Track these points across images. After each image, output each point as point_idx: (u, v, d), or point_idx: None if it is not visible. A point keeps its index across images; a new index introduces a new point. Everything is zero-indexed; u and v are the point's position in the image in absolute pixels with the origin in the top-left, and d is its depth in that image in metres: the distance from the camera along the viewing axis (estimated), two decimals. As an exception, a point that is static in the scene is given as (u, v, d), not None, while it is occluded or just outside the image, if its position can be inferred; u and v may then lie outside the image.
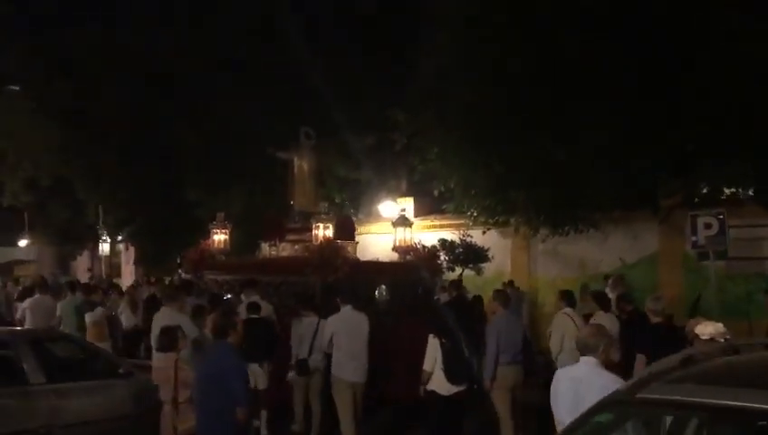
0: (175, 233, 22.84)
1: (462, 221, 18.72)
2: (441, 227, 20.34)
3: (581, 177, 14.50)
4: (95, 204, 24.97)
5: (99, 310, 12.76)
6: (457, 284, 14.32)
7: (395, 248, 14.97)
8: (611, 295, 11.87)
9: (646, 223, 16.41)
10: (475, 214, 17.22)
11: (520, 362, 9.27)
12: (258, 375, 9.59)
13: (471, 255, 16.73)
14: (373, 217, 21.40)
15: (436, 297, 13.76)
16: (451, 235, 17.84)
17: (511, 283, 16.70)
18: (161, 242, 22.98)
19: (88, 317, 12.32)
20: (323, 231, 13.80)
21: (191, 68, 20.82)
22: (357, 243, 15.56)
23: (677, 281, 15.93)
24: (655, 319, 8.11)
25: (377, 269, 14.47)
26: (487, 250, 16.91)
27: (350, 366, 9.24)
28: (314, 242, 13.59)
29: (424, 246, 15.36)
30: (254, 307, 10.09)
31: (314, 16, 20.27)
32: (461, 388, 8.41)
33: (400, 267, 14.59)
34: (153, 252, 23.88)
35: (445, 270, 16.97)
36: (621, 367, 9.64)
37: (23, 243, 34.68)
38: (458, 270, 17.01)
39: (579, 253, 17.44)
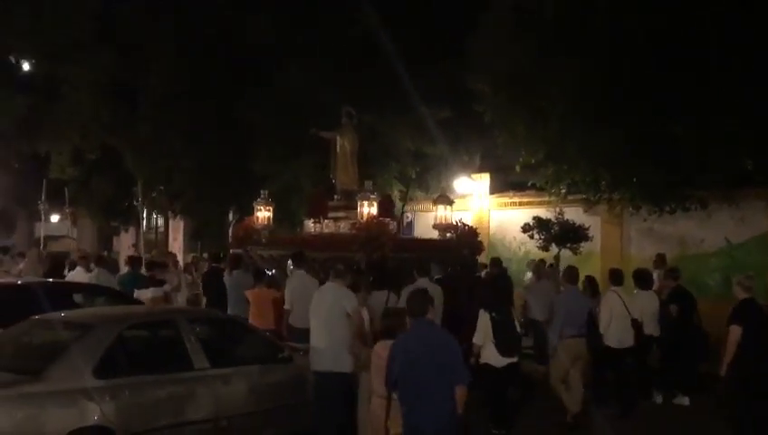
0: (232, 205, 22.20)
1: (545, 199, 17.92)
2: (520, 204, 19.58)
3: (694, 153, 13.72)
4: (143, 178, 23.99)
5: (165, 286, 12.23)
6: (497, 261, 14.22)
7: (435, 226, 15.18)
8: (655, 274, 12.45)
9: (755, 201, 15.55)
10: (563, 190, 16.37)
11: (584, 336, 9.55)
12: None
13: (569, 233, 15.83)
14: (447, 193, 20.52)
15: (477, 274, 13.73)
16: (546, 212, 16.93)
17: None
18: (218, 215, 22.20)
19: (147, 293, 11.56)
20: (368, 209, 13.82)
21: (254, 39, 19.83)
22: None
23: (790, 263, 15.06)
24: (743, 295, 8.08)
25: (420, 246, 15.07)
26: (587, 228, 16.01)
27: None
28: (360, 219, 13.73)
29: (464, 224, 15.26)
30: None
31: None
32: (513, 360, 8.67)
33: (444, 244, 14.66)
34: (208, 225, 23.08)
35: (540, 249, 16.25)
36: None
37: (55, 218, 33.85)
38: (554, 250, 16.15)
39: (678, 231, 16.65)
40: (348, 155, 15.42)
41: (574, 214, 16.91)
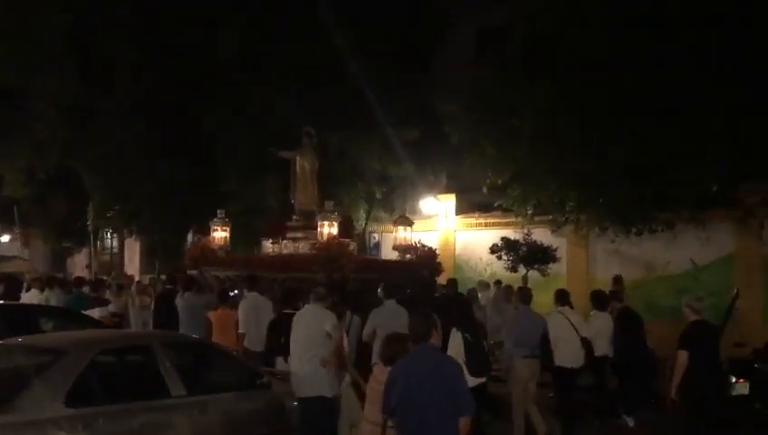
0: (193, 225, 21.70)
1: (511, 220, 17.90)
2: (486, 225, 19.52)
3: (662, 174, 13.80)
4: (99, 198, 23.33)
5: (108, 307, 12.50)
6: (452, 282, 14.08)
7: (395, 247, 15.43)
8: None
9: (720, 223, 15.68)
10: (530, 211, 16.36)
11: (537, 357, 9.58)
12: None
13: (538, 254, 15.78)
14: (411, 214, 20.40)
15: (436, 295, 13.78)
16: (512, 233, 16.90)
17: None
18: (178, 234, 21.70)
19: (94, 313, 11.56)
20: (329, 229, 13.86)
21: (220, 55, 19.48)
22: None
23: (756, 283, 15.21)
24: (693, 316, 8.05)
25: (381, 267, 15.22)
26: (555, 250, 15.98)
27: None
28: (320, 239, 13.75)
29: (423, 245, 15.44)
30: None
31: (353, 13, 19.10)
32: (482, 380, 8.52)
33: (404, 266, 14.88)
34: (165, 246, 22.52)
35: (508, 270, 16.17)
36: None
37: (5, 238, 32.79)
38: (522, 271, 16.08)
39: (644, 253, 16.74)
40: (307, 174, 15.42)
41: (541, 235, 16.94)
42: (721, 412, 7.99)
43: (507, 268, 16.33)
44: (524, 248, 16.00)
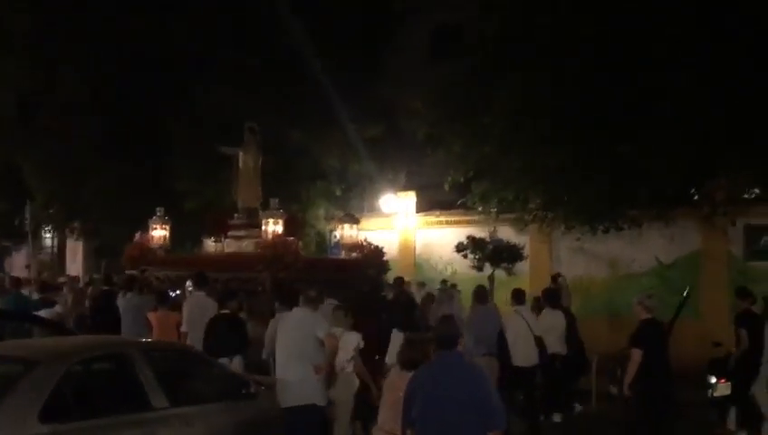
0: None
1: (474, 217, 17.70)
2: (447, 223, 19.25)
3: (630, 172, 13.70)
4: (41, 196, 22.26)
5: (55, 308, 11.85)
6: (400, 281, 13.92)
7: (341, 245, 15.36)
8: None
9: (685, 220, 15.68)
10: (494, 209, 16.17)
11: (494, 355, 9.80)
12: None
13: (504, 253, 15.55)
14: (371, 212, 20.08)
15: (383, 294, 13.60)
16: (474, 231, 16.68)
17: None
18: (126, 234, 20.85)
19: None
20: (273, 227, 13.55)
21: (173, 50, 18.70)
22: None
23: (722, 281, 15.25)
24: (644, 315, 8.13)
25: (328, 266, 15.01)
26: (522, 248, 15.78)
27: None
28: (264, 238, 13.46)
29: (369, 243, 15.27)
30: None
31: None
32: None
33: (351, 264, 14.67)
34: (113, 245, 21.59)
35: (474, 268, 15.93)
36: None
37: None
38: (488, 270, 15.83)
39: (609, 251, 16.67)
40: (250, 171, 15.03)
41: (504, 233, 16.79)
42: (669, 409, 8.09)
43: (473, 267, 16.02)
44: (491, 247, 15.71)
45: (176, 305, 11.14)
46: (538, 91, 13.75)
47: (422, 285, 15.86)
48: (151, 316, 10.59)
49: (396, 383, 5.53)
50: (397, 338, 8.18)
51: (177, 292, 12.91)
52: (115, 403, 6.13)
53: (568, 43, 13.39)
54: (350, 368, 7.51)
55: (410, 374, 5.29)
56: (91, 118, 18.97)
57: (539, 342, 10.23)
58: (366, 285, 13.78)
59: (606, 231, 15.07)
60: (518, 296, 10.61)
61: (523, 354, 9.99)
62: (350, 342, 7.62)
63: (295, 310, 7.57)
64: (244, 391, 7.10)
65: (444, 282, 16.18)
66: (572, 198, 14.59)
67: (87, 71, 19.05)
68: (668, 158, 13.18)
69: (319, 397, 7.11)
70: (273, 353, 9.13)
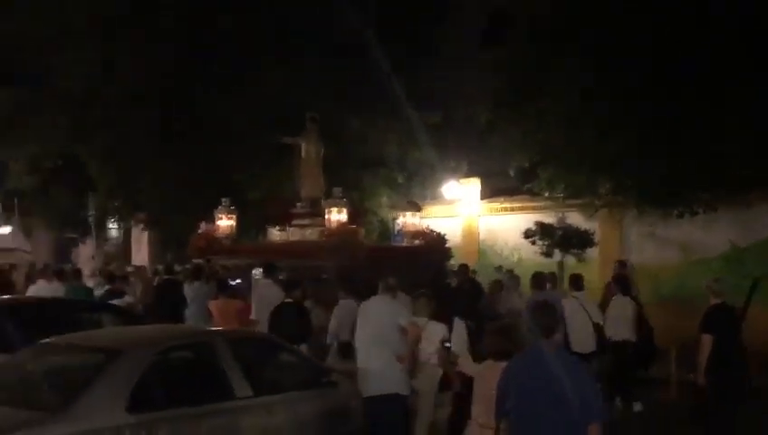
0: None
1: (539, 203, 17.38)
2: (512, 209, 18.94)
3: (702, 155, 13.24)
4: (108, 187, 22.55)
5: (125, 298, 12.15)
6: (464, 268, 13.66)
7: (403, 233, 15.31)
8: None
9: (761, 204, 15.10)
10: (561, 194, 15.82)
11: None
12: None
13: (573, 239, 15.20)
14: (433, 199, 19.89)
15: (447, 281, 13.50)
16: (540, 217, 16.38)
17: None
18: (190, 224, 21.05)
19: None
20: (337, 215, 13.64)
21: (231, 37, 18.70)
22: None
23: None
24: (714, 300, 7.92)
25: (392, 254, 14.81)
26: (592, 234, 15.41)
27: None
28: (328, 226, 13.61)
29: (432, 231, 15.22)
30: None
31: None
32: None
33: (414, 251, 14.62)
34: (177, 236, 21.81)
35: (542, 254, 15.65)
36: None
37: (5, 230, 32.03)
38: (557, 256, 15.51)
39: (681, 236, 16.12)
40: (312, 161, 15.15)
41: (572, 219, 16.48)
42: (744, 397, 7.85)
43: (541, 253, 15.72)
44: (560, 233, 15.39)
45: (236, 293, 11.23)
46: (607, 71, 13.37)
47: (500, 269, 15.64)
48: (211, 304, 10.70)
49: (488, 375, 5.34)
50: (459, 326, 8.02)
51: (238, 280, 12.95)
52: (199, 392, 6.10)
53: (638, 21, 13.01)
54: (434, 360, 7.33)
55: (503, 365, 5.10)
56: (150, 109, 19.07)
57: (597, 329, 10.07)
58: (429, 273, 13.55)
59: (680, 216, 14.59)
60: (576, 282, 10.59)
61: (581, 341, 9.80)
62: (436, 333, 7.43)
63: (376, 298, 7.42)
64: (324, 380, 7.02)
65: (499, 268, 15.98)
66: (645, 181, 14.15)
67: (146, 62, 19.18)
68: (744, 139, 12.73)
69: (402, 386, 6.96)
70: (336, 340, 9.46)
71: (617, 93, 13.13)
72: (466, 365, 7.38)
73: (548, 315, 4.85)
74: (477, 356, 7.79)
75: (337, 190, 13.98)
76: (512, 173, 16.99)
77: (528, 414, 4.70)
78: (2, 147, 22.07)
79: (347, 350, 9.27)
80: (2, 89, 19.47)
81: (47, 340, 6.33)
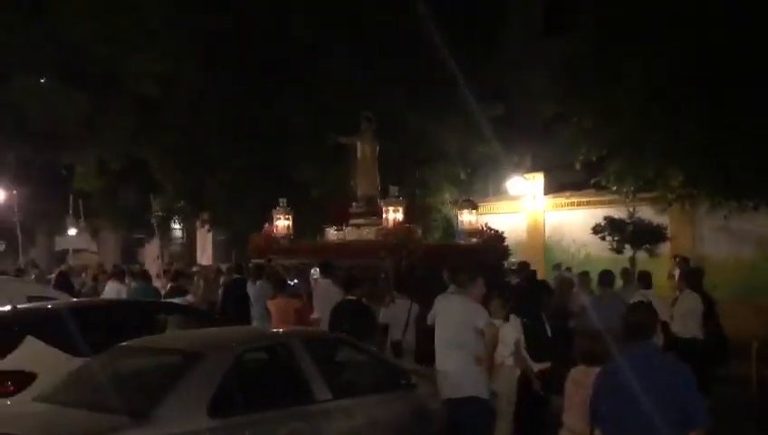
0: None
1: (606, 198, 16.98)
2: (579, 204, 18.56)
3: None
4: (173, 188, 22.81)
5: (187, 297, 12.12)
6: (524, 265, 13.62)
7: (460, 231, 15.14)
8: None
9: None
10: (632, 188, 15.40)
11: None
12: None
13: (645, 234, 14.80)
14: (496, 195, 19.62)
15: (506, 279, 13.20)
16: (609, 211, 15.98)
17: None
18: (254, 224, 21.18)
19: None
20: (394, 215, 13.57)
21: (291, 36, 18.68)
22: None
23: None
24: None
25: (449, 252, 14.54)
26: (665, 228, 14.98)
27: None
28: (385, 225, 13.56)
29: (490, 228, 14.96)
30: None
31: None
32: (545, 365, 7.81)
33: (472, 250, 14.37)
34: (241, 236, 21.96)
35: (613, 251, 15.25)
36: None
37: (72, 231, 32.74)
38: (628, 252, 15.11)
39: (756, 229, 15.57)
40: (368, 160, 15.20)
41: (642, 213, 16.04)
42: None
43: (611, 249, 15.35)
44: (630, 228, 14.99)
45: (294, 292, 11.26)
46: (679, 62, 12.96)
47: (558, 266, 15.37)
48: (270, 304, 10.74)
49: (582, 380, 5.13)
50: (514, 323, 7.83)
51: (296, 280, 13.06)
52: (280, 396, 6.02)
53: (710, 11, 12.59)
54: (510, 362, 7.14)
55: (596, 370, 4.89)
56: (211, 110, 19.19)
57: (663, 327, 9.67)
58: (487, 272, 13.38)
59: (756, 208, 14.07)
60: (644, 279, 10.41)
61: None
62: (510, 334, 7.24)
63: (453, 297, 7.25)
64: (403, 382, 6.88)
65: (557, 265, 15.68)
66: (719, 173, 13.68)
67: (208, 64, 19.30)
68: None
69: (481, 388, 6.78)
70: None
71: (687, 84, 12.68)
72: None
73: (642, 316, 4.63)
74: (546, 356, 7.71)
75: (393, 189, 13.99)
76: (578, 167, 16.58)
77: (624, 421, 4.48)
78: (71, 149, 22.45)
79: (398, 349, 9.37)
80: (77, 92, 19.64)
81: (125, 343, 6.32)
